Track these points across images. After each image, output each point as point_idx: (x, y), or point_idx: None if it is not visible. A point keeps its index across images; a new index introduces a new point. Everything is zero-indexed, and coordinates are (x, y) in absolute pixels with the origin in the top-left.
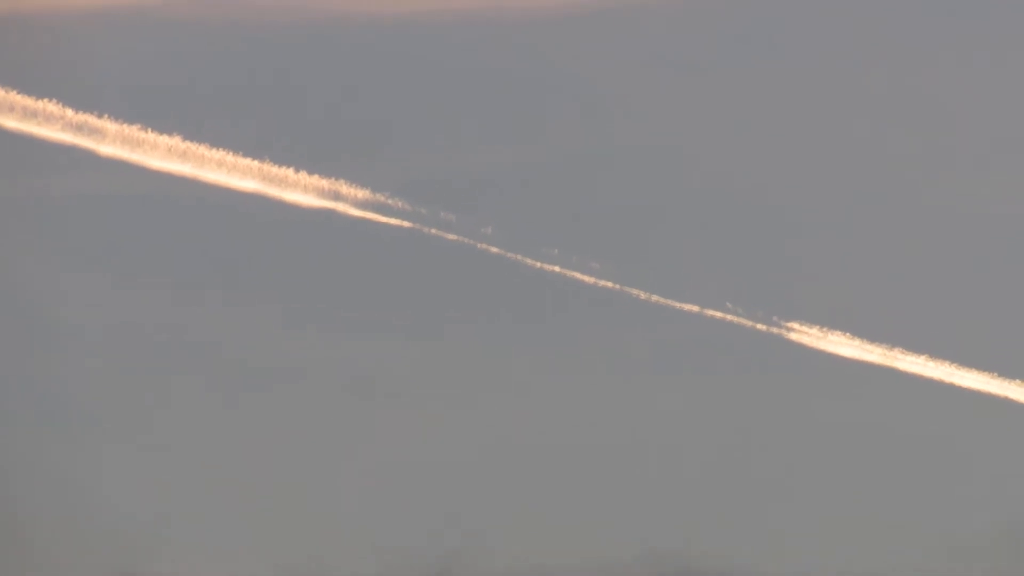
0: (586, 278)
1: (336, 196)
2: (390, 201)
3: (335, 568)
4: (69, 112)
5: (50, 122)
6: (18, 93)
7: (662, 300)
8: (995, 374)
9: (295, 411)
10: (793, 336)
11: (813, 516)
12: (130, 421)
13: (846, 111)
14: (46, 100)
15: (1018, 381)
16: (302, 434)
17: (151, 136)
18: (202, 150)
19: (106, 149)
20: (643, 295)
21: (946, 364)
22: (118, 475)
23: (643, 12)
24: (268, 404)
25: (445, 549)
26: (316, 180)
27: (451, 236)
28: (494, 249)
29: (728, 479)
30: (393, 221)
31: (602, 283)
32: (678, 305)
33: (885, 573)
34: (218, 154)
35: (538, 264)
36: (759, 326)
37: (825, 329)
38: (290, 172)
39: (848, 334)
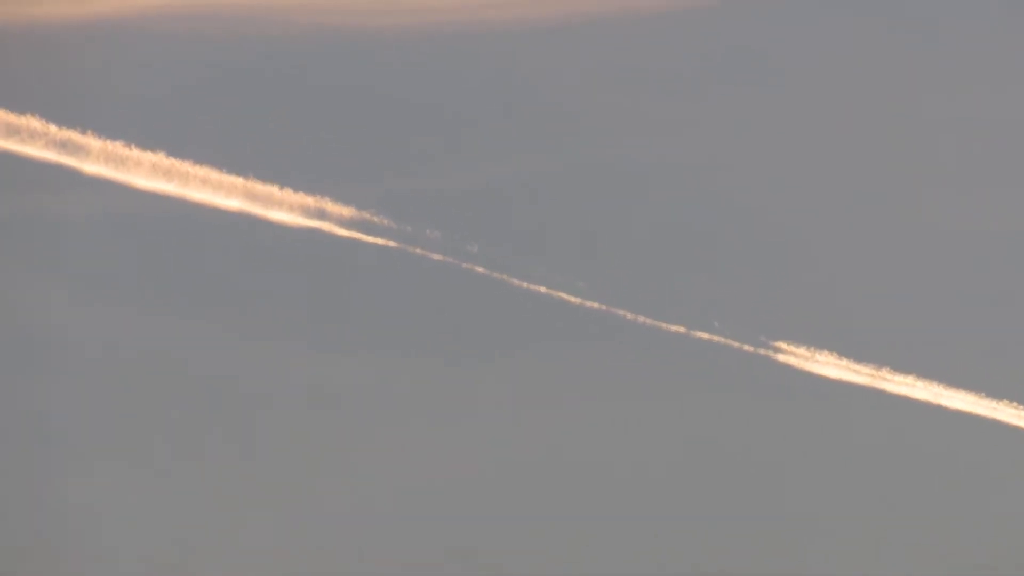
0: (572, 298)
1: (322, 215)
2: (375, 219)
3: None
4: (53, 128)
5: (33, 139)
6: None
7: (649, 321)
8: (983, 395)
9: (281, 427)
10: (780, 357)
11: (810, 532)
12: (114, 441)
13: (833, 128)
14: (29, 116)
15: (1006, 401)
16: (286, 453)
17: (135, 153)
18: (187, 167)
19: (90, 167)
20: (630, 315)
21: (935, 384)
22: (99, 494)
23: (627, 26)
24: (252, 422)
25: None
26: (301, 198)
27: (436, 256)
28: (479, 268)
29: (721, 498)
30: (379, 241)
31: (588, 303)
32: (665, 326)
33: None
34: (203, 171)
35: (524, 284)
36: (746, 347)
37: (813, 349)
38: (275, 189)
39: (836, 354)
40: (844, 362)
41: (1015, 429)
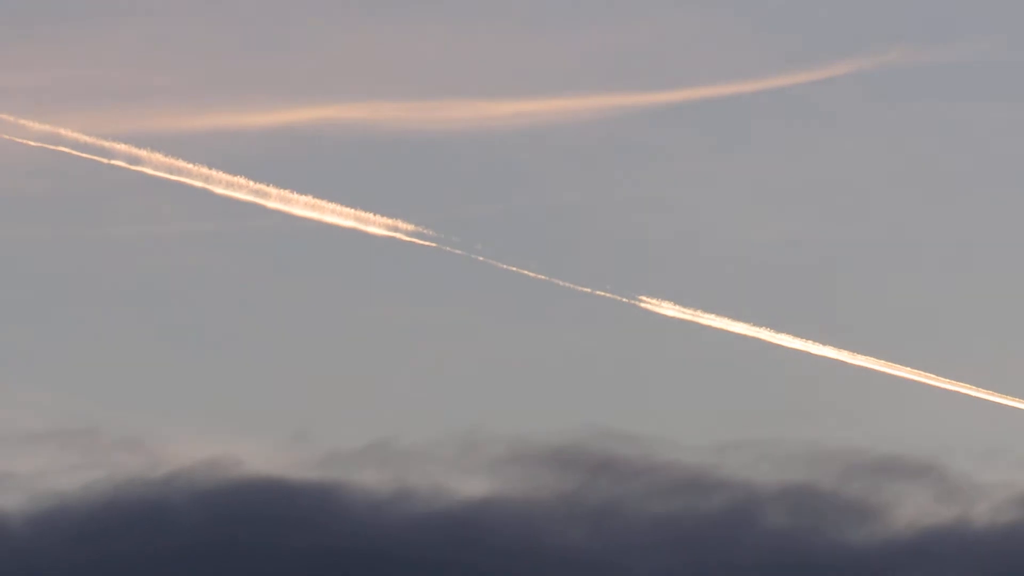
0: (529, 272)
1: (396, 228)
2: (425, 230)
3: (405, 439)
4: (251, 183)
5: (238, 189)
6: (221, 171)
7: (569, 285)
8: (764, 326)
9: (365, 340)
10: (643, 305)
11: (661, 404)
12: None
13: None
14: (240, 177)
15: (764, 325)
16: (368, 358)
17: (295, 195)
18: (322, 203)
19: (271, 204)
20: (560, 283)
21: (728, 319)
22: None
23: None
24: (332, 331)
25: (464, 424)
26: (385, 219)
27: (456, 250)
28: (480, 258)
29: (608, 388)
30: (427, 243)
31: (538, 276)
32: (578, 288)
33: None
34: (332, 205)
35: (503, 266)
36: (623, 299)
37: (660, 300)
38: (372, 215)
39: (671, 302)
40: (676, 307)
41: (779, 347)
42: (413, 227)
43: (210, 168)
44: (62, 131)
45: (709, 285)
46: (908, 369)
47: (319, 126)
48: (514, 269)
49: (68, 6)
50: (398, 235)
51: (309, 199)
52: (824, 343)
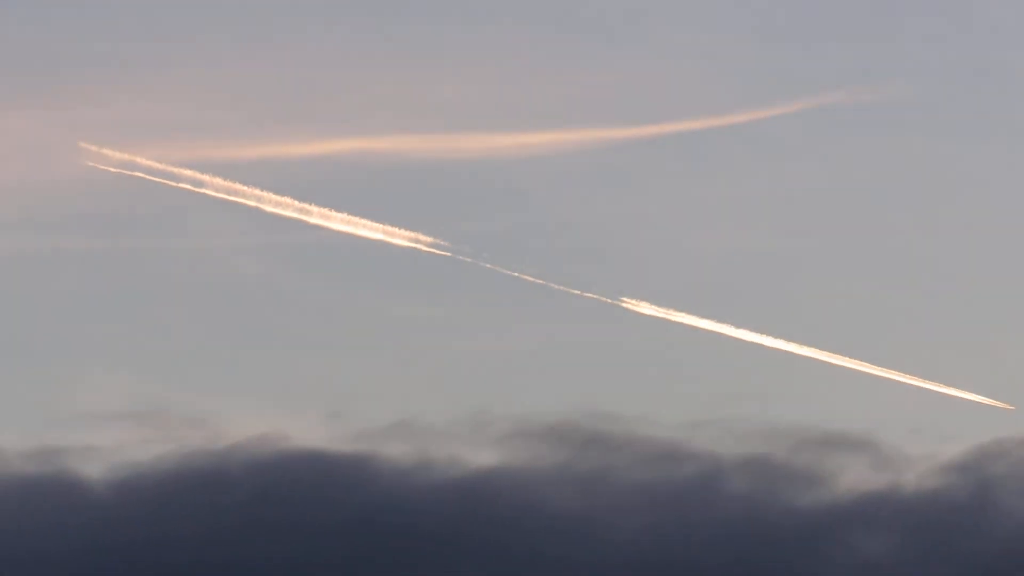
0: (528, 278)
1: (417, 240)
2: (441, 242)
3: (425, 418)
4: (295, 202)
5: (285, 208)
6: (270, 193)
7: (562, 288)
8: (727, 322)
9: (391, 334)
10: (624, 305)
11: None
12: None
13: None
14: (286, 197)
15: (726, 322)
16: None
17: (333, 212)
18: (355, 219)
19: (312, 220)
20: (554, 286)
21: (692, 316)
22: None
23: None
24: (363, 327)
25: (475, 405)
26: (407, 233)
27: (467, 258)
28: (488, 265)
29: (595, 375)
30: (442, 252)
31: (535, 280)
32: (570, 290)
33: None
34: (363, 221)
35: (507, 272)
36: (607, 300)
37: (638, 300)
38: (397, 229)
39: (648, 303)
40: (652, 307)
41: (739, 340)
42: (431, 239)
43: (261, 190)
44: (138, 159)
45: (680, 288)
46: (848, 359)
47: (353, 155)
48: (516, 275)
49: (144, 56)
50: (419, 246)
51: (344, 216)
52: (777, 336)
